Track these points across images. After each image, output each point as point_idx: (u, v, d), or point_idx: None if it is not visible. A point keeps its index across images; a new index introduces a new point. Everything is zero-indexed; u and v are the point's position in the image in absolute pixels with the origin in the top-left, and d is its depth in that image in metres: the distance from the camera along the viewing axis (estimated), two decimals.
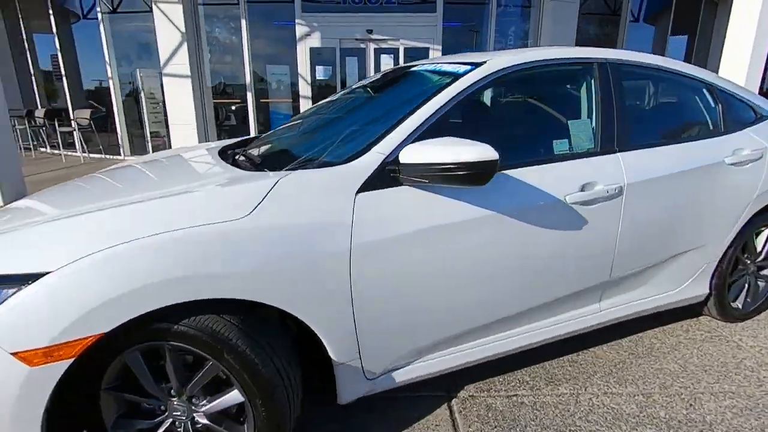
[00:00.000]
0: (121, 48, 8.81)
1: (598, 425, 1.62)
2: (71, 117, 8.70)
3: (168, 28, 7.79)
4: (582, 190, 1.64)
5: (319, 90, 8.10)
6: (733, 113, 2.15)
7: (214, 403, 1.29)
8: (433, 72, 1.84)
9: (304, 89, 7.97)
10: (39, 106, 9.45)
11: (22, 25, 9.42)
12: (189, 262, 1.12)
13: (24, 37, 9.50)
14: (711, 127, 2.10)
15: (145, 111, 8.49)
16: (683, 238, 1.97)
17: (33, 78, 9.63)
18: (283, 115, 8.45)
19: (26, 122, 8.82)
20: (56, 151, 8.72)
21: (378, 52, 7.89)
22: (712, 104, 2.12)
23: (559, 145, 1.71)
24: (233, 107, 8.58)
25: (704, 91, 2.13)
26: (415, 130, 1.45)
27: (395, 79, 2.17)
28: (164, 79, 8.13)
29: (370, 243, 1.32)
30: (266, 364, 1.23)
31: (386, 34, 7.78)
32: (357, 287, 1.33)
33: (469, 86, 1.56)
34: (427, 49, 7.83)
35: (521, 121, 1.87)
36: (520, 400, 1.77)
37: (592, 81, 1.80)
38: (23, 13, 9.40)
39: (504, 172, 1.55)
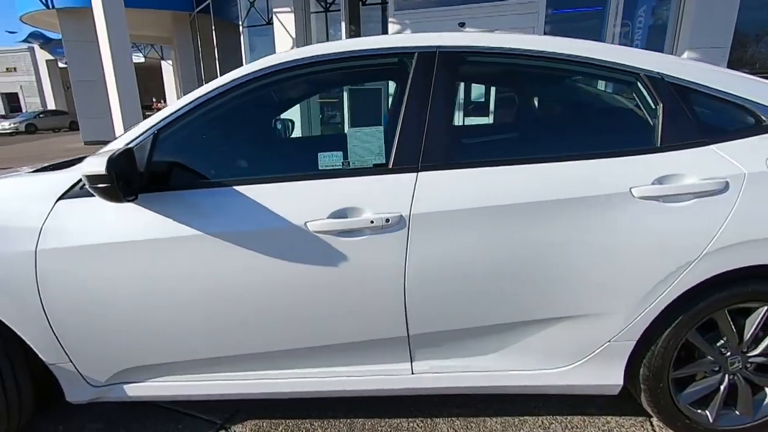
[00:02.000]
0: (255, 55, 10.21)
1: None
2: None
3: (283, 34, 8.73)
4: (337, 216, 1.29)
5: None
6: (690, 119, 1.37)
7: None
8: None
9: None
10: None
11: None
12: None
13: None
14: (632, 139, 1.39)
15: None
16: (546, 298, 1.37)
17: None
18: None
19: None
20: None
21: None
22: (651, 105, 1.39)
23: (328, 159, 1.37)
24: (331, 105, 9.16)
25: (638, 85, 1.41)
26: (133, 140, 1.36)
27: None
28: None
29: (54, 249, 1.31)
30: None
31: (479, 26, 7.20)
32: (44, 291, 1.33)
33: (211, 91, 1.37)
34: None
35: (282, 129, 1.54)
36: None
37: (405, 78, 1.38)
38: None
39: (236, 187, 1.33)
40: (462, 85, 1.61)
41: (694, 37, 6.29)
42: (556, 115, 1.56)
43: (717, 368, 1.48)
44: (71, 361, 1.44)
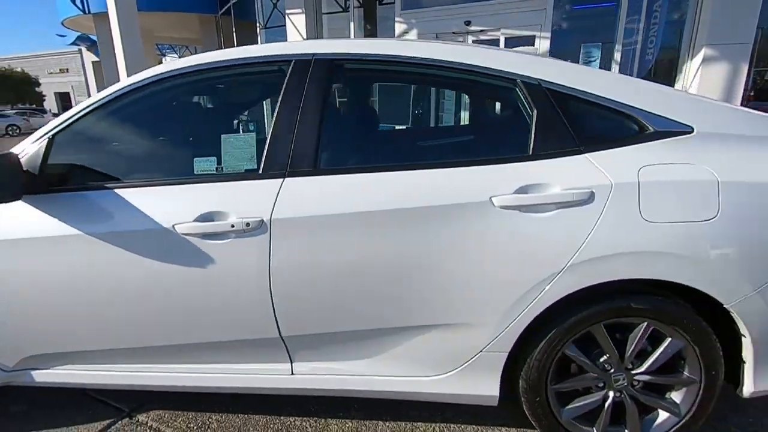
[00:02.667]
0: None
1: None
2: None
3: (294, 35, 8.88)
4: (203, 220, 1.34)
5: None
6: (565, 126, 1.32)
7: None
8: None
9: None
10: None
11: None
12: None
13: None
14: (506, 147, 1.36)
15: None
16: (410, 306, 1.37)
17: None
18: None
19: None
20: None
21: (476, 44, 7.26)
22: (527, 112, 1.36)
23: (203, 164, 1.42)
24: None
25: (517, 91, 1.37)
26: (33, 142, 1.46)
27: None
28: None
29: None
30: None
31: (485, 24, 7.08)
32: None
33: (98, 100, 1.46)
34: (533, 37, 6.81)
35: (165, 133, 1.59)
36: None
37: (277, 86, 1.41)
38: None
39: (117, 191, 1.41)
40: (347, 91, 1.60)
41: (713, 33, 5.93)
42: (429, 122, 1.54)
43: (601, 384, 1.43)
44: None
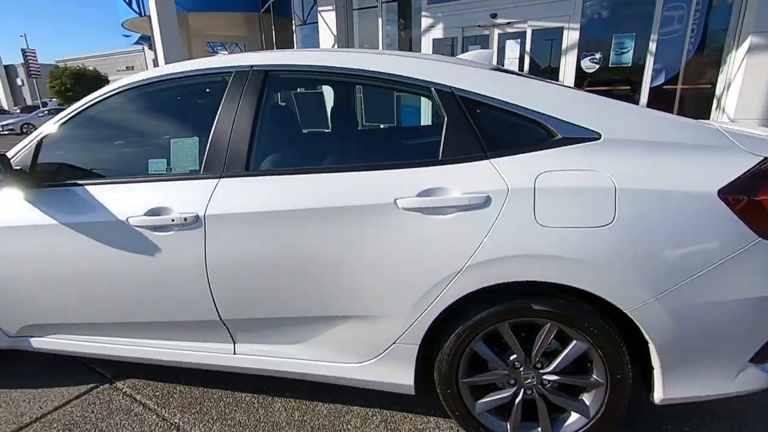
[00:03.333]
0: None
1: None
2: None
3: (326, 32, 9.10)
4: (151, 214, 1.54)
5: None
6: (474, 132, 1.37)
7: None
8: None
9: None
10: None
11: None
12: None
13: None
14: (418, 152, 1.43)
15: None
16: (327, 296, 1.48)
17: None
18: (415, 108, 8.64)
19: None
20: None
21: (503, 37, 7.13)
22: (439, 118, 1.42)
23: (156, 165, 1.61)
24: None
25: (432, 98, 1.44)
26: (25, 146, 1.72)
27: None
28: None
29: None
30: None
31: (512, 17, 6.92)
32: None
33: (74, 110, 1.69)
34: (561, 29, 6.58)
35: (126, 137, 1.78)
36: (142, 410, 1.81)
37: (221, 94, 1.57)
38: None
39: (87, 187, 1.64)
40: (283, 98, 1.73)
41: (762, 19, 5.45)
42: (351, 127, 1.63)
43: (512, 381, 1.48)
44: None
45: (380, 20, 8.44)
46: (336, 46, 8.98)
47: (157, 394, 1.89)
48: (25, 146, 1.72)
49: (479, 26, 7.26)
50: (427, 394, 1.56)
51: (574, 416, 1.47)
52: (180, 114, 1.78)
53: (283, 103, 1.62)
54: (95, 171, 1.73)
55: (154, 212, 1.53)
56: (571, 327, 1.35)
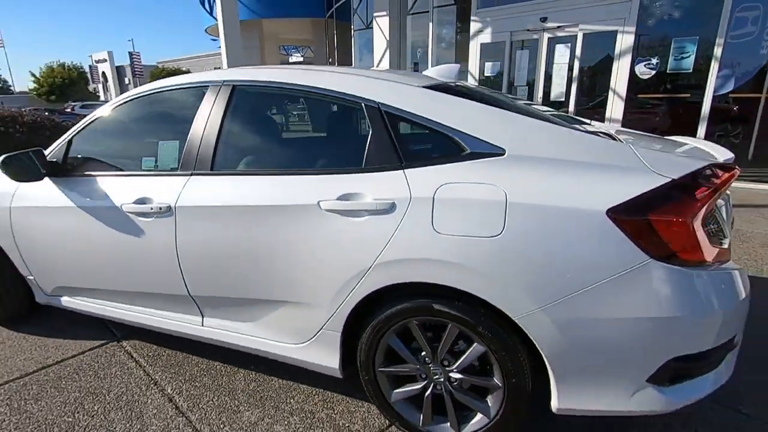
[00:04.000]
0: (366, 54, 11.12)
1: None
2: None
3: (380, 37, 9.41)
4: (138, 202, 1.86)
5: (487, 86, 7.88)
6: (393, 144, 1.51)
7: None
8: None
9: None
10: None
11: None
12: None
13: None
14: (347, 160, 1.59)
15: None
16: (266, 282, 1.70)
17: None
18: None
19: None
20: None
21: (552, 42, 6.93)
22: (367, 130, 1.57)
23: (147, 162, 1.93)
24: None
25: (361, 113, 1.60)
26: (60, 143, 2.15)
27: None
28: None
29: (18, 207, 2.19)
30: None
31: (562, 20, 6.71)
32: (15, 232, 2.24)
33: (93, 114, 2.08)
34: (615, 32, 6.27)
35: (128, 138, 2.11)
36: (134, 365, 2.17)
37: (200, 104, 1.85)
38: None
39: (97, 178, 2.02)
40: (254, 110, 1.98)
41: None
42: (295, 136, 1.82)
43: (424, 375, 1.60)
44: (33, 277, 2.34)
45: (431, 24, 8.54)
46: (388, 51, 9.25)
47: (150, 354, 2.24)
48: (61, 142, 2.15)
49: (528, 30, 7.11)
50: (355, 379, 1.72)
51: (479, 415, 1.55)
52: (168, 120, 2.11)
53: (246, 113, 1.87)
54: (105, 165, 2.11)
55: (140, 201, 1.86)
56: (469, 329, 1.44)
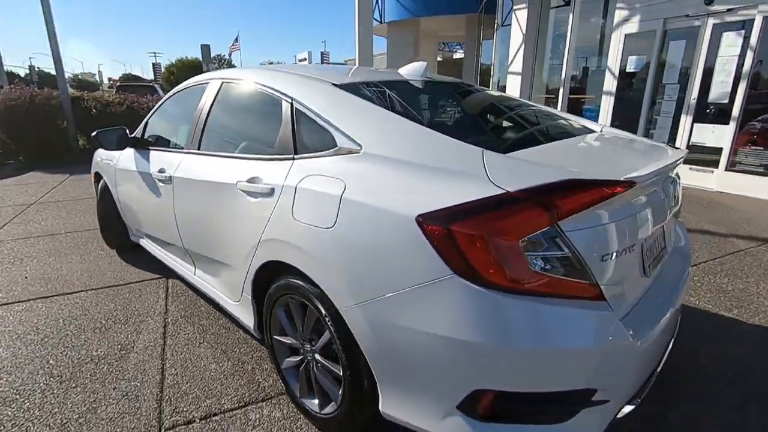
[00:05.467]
0: (501, 49, 10.68)
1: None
2: None
3: (516, 31, 8.97)
4: (159, 172, 2.43)
5: (627, 83, 6.81)
6: (293, 137, 1.66)
7: None
8: None
9: (609, 83, 6.96)
10: None
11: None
12: None
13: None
14: (267, 148, 1.79)
15: None
16: (214, 245, 2.04)
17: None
18: (595, 112, 7.69)
19: None
20: None
21: (718, 28, 5.58)
22: (281, 123, 1.75)
23: (172, 141, 2.48)
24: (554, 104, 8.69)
25: (281, 106, 1.77)
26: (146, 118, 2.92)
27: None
28: (508, 75, 9.48)
29: (118, 168, 3.04)
30: None
31: (735, 1, 5.33)
32: (116, 189, 3.13)
33: (159, 102, 2.74)
34: None
35: (167, 122, 2.63)
36: (162, 299, 2.82)
37: (200, 97, 2.30)
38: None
39: (149, 151, 2.68)
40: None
41: None
42: (241, 125, 2.07)
43: (302, 351, 1.73)
44: (126, 220, 3.22)
45: (571, 17, 7.72)
46: (524, 46, 8.72)
47: (177, 291, 2.88)
48: (143, 122, 2.91)
49: (687, 16, 5.85)
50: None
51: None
52: (189, 108, 2.65)
53: (218, 106, 2.24)
54: (155, 141, 2.77)
55: (160, 171, 2.43)
56: (319, 314, 1.52)
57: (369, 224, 1.29)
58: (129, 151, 2.91)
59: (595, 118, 7.29)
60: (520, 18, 8.77)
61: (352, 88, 1.69)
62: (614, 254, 1.19)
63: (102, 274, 3.17)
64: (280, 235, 1.57)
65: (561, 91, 8.06)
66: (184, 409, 1.81)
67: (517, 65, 9.01)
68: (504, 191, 1.12)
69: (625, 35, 6.64)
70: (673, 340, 1.62)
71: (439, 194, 1.19)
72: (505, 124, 1.81)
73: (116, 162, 3.08)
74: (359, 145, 1.44)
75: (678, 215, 1.83)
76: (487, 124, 1.90)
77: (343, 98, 1.63)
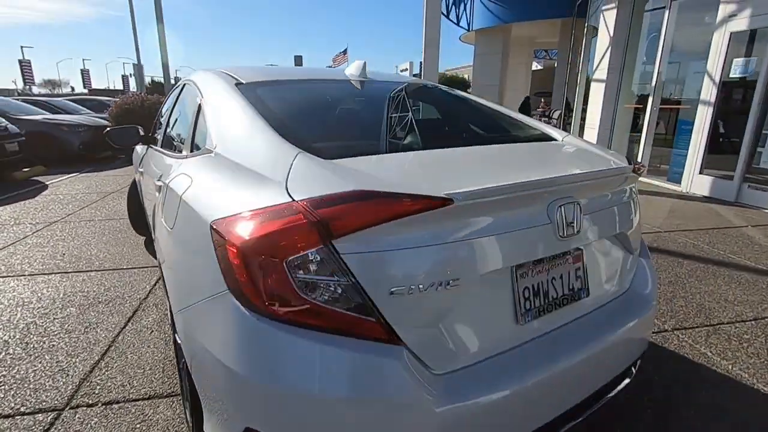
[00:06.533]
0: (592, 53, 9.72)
1: None
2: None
3: (603, 33, 8.12)
4: (149, 167, 2.62)
5: (730, 91, 5.70)
6: (192, 135, 1.65)
7: None
8: None
9: (707, 91, 5.88)
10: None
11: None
12: None
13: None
14: (181, 145, 1.80)
15: (574, 114, 9.34)
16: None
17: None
18: (690, 124, 6.56)
19: None
20: None
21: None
22: (193, 122, 1.75)
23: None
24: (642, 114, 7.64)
25: (198, 105, 1.77)
26: (156, 121, 3.19)
27: None
28: (592, 83, 8.58)
29: (138, 162, 3.37)
30: None
31: None
32: (138, 181, 3.47)
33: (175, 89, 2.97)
34: None
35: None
36: None
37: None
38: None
39: (152, 149, 2.91)
40: None
41: None
42: (177, 124, 2.07)
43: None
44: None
45: (667, 14, 6.69)
46: (610, 49, 7.82)
47: None
48: (154, 123, 3.19)
49: None
50: None
51: None
52: (168, 108, 2.80)
53: (178, 105, 2.32)
54: (154, 139, 2.99)
55: (146, 164, 2.62)
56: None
57: (186, 228, 1.22)
58: (141, 148, 3.20)
59: (689, 132, 6.21)
60: (608, 18, 7.87)
61: (247, 88, 1.63)
62: (417, 287, 0.95)
63: (121, 258, 3.52)
64: (157, 232, 1.57)
65: (650, 100, 7.02)
66: (96, 392, 1.89)
67: (601, 72, 8.09)
68: (288, 201, 0.97)
69: (731, 33, 5.55)
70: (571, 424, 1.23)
71: (236, 199, 1.07)
72: (417, 127, 1.57)
73: (138, 157, 3.41)
74: (215, 145, 1.37)
75: (626, 250, 1.43)
76: (391, 126, 1.68)
77: (228, 97, 1.57)
